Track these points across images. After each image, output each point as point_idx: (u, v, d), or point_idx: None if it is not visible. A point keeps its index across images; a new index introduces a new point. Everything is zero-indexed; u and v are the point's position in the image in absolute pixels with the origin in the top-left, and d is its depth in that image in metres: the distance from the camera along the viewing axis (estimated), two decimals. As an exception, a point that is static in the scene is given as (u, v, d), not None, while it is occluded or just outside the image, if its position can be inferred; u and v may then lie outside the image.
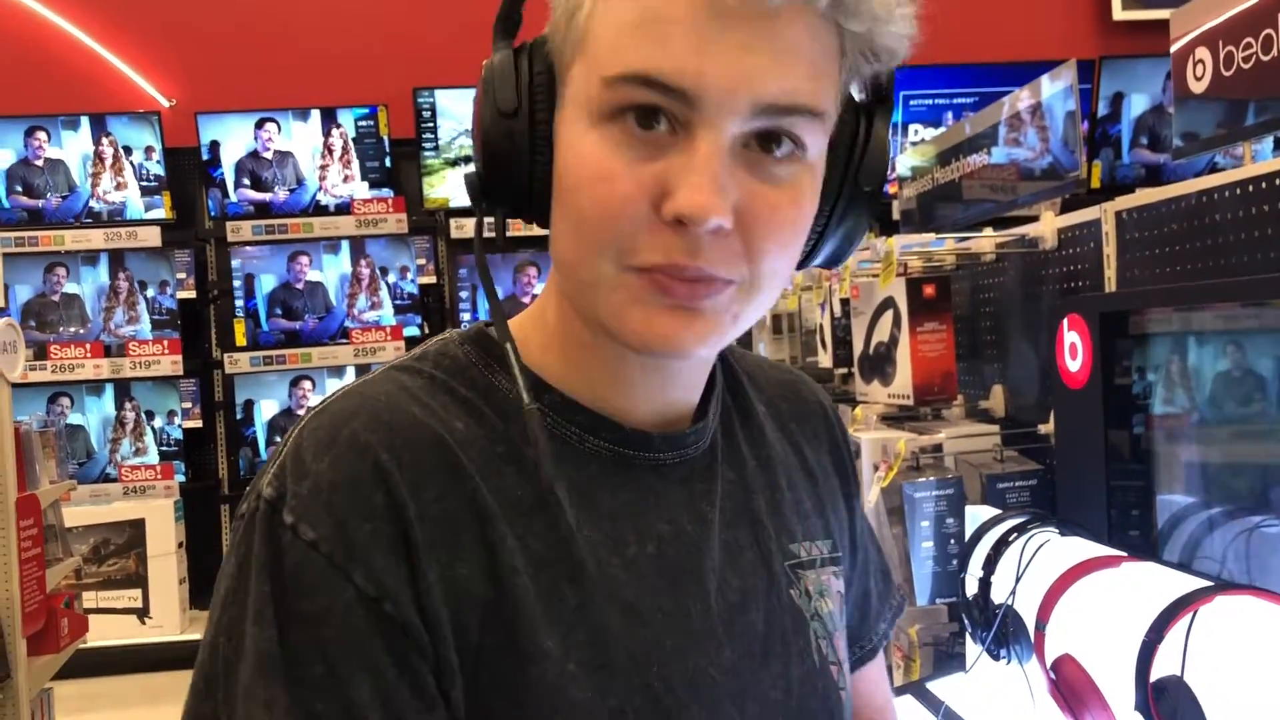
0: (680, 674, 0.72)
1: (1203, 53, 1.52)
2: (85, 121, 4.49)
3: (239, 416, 4.56)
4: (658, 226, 0.64)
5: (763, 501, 0.82)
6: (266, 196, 4.57)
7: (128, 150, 4.51)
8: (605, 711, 0.68)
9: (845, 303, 2.20)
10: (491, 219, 0.74)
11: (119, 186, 4.52)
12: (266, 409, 4.58)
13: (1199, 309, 1.45)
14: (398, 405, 0.70)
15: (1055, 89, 1.95)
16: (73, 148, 4.51)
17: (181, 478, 4.47)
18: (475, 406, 0.73)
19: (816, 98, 0.66)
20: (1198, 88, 1.54)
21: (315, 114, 4.55)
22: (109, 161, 4.51)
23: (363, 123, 4.57)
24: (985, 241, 1.91)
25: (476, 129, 0.72)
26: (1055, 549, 1.35)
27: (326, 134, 4.56)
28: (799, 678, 0.79)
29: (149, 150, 4.52)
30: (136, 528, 4.28)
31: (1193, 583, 1.10)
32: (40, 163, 4.50)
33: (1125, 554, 1.27)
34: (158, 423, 4.55)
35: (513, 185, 0.70)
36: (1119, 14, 4.79)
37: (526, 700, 0.67)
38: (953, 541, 1.70)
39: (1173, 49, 1.59)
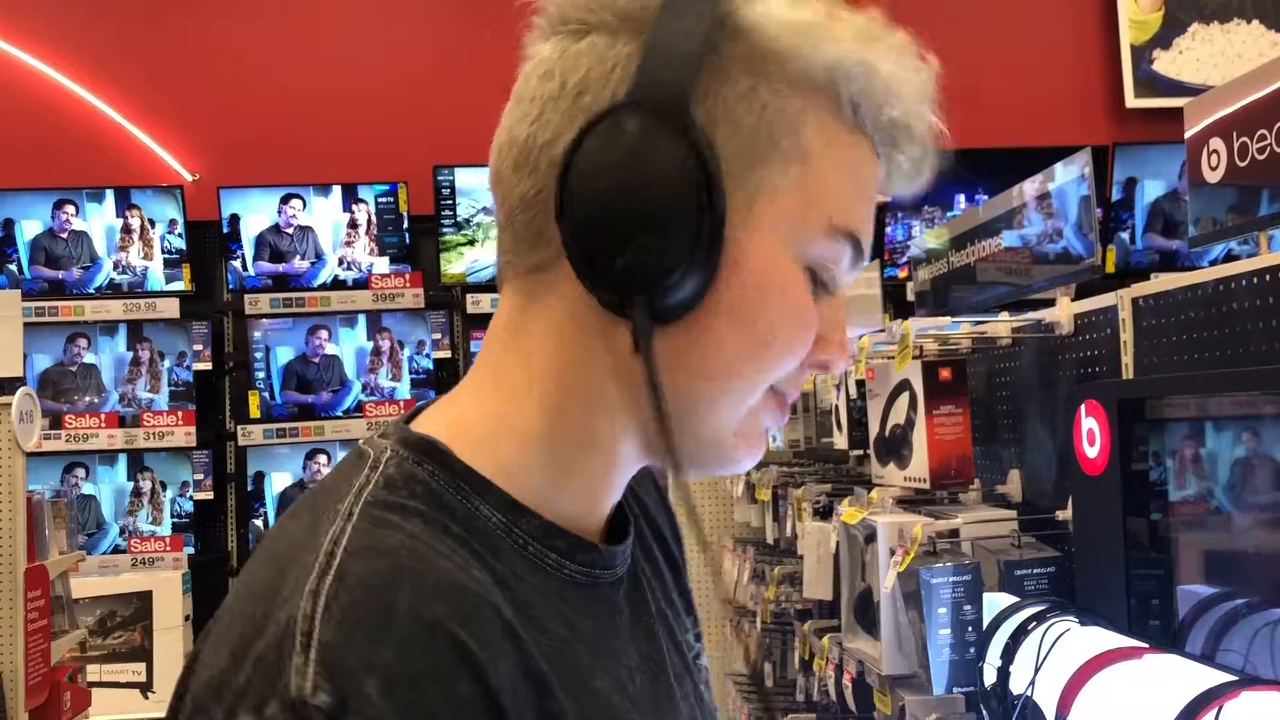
0: None
1: (1217, 143, 1.54)
2: (110, 195, 4.56)
3: (250, 489, 4.55)
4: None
5: (661, 597, 0.79)
6: (285, 270, 4.61)
7: (152, 223, 4.57)
8: None
9: (861, 384, 2.20)
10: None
11: (145, 258, 4.57)
12: (278, 481, 4.57)
13: (1220, 396, 1.44)
14: (431, 561, 0.59)
15: (1069, 175, 1.96)
16: (97, 220, 4.57)
17: (191, 550, 4.45)
18: (471, 545, 0.62)
19: None
20: (1212, 177, 1.55)
21: (336, 190, 4.61)
22: (135, 234, 4.57)
23: (383, 199, 4.63)
24: (1001, 325, 1.91)
25: (615, 208, 0.62)
26: (1075, 639, 1.33)
27: (347, 210, 4.62)
28: None
29: (172, 223, 4.58)
30: (144, 600, 4.25)
31: (1216, 677, 1.08)
32: (65, 235, 4.56)
33: (1147, 646, 1.25)
34: (170, 494, 4.54)
35: (668, 283, 0.63)
36: (1131, 101, 4.85)
37: None
38: (970, 629, 1.67)
39: (1187, 138, 1.61)
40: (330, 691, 0.51)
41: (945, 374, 1.93)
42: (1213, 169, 1.55)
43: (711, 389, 0.66)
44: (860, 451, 2.33)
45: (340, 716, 0.51)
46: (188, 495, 4.54)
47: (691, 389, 0.66)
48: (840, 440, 2.39)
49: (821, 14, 0.68)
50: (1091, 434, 1.55)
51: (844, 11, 0.68)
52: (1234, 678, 1.07)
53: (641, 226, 0.61)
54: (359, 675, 0.52)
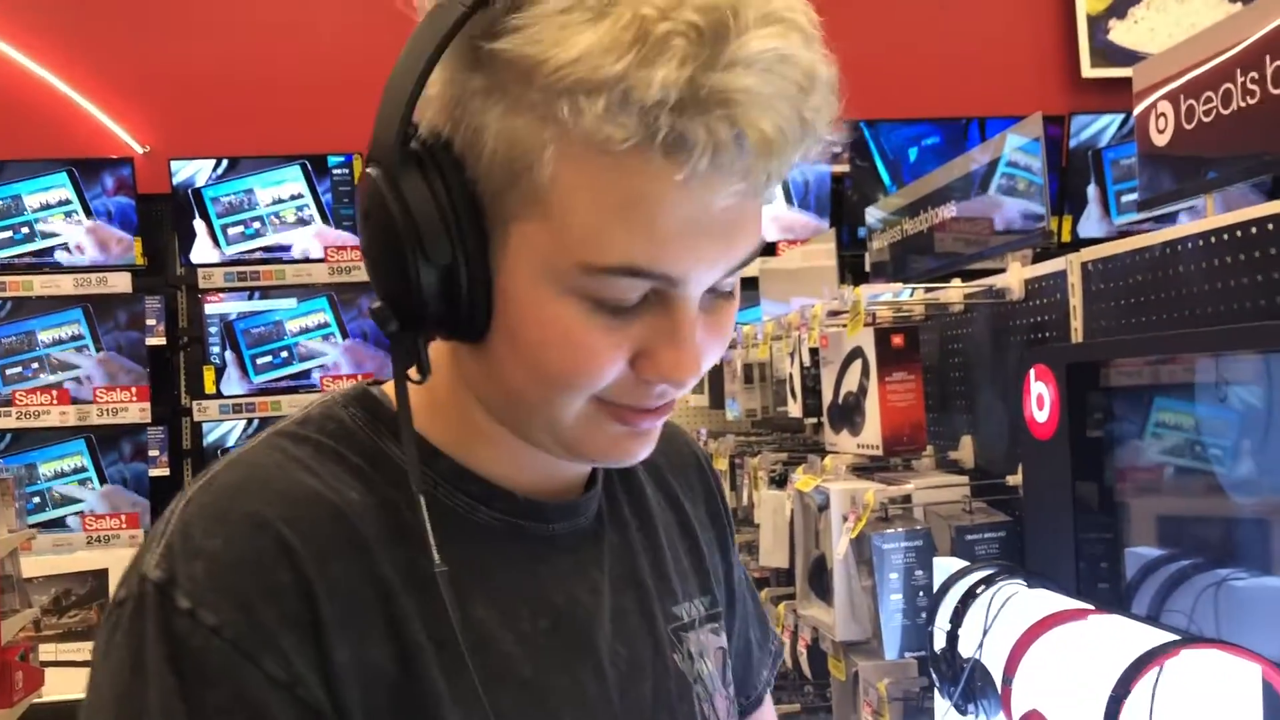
0: None
1: (1164, 106, 1.54)
2: (57, 167, 4.47)
3: (205, 465, 4.50)
4: (632, 379, 0.66)
5: (645, 564, 0.81)
6: (239, 243, 4.55)
7: (100, 196, 4.49)
8: None
9: (815, 352, 2.20)
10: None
11: (91, 232, 4.49)
12: (235, 457, 4.53)
13: (1167, 361, 1.45)
14: (290, 475, 0.67)
15: (1022, 141, 1.96)
16: (44, 193, 4.48)
17: (147, 527, 4.40)
18: (366, 474, 0.69)
19: (762, 234, 0.67)
20: (1160, 140, 1.56)
21: (291, 161, 4.55)
22: (81, 207, 4.49)
23: (339, 171, 4.57)
24: (953, 292, 1.91)
25: (384, 271, 0.65)
26: (1023, 601, 1.34)
27: (303, 181, 4.56)
28: None
29: (122, 196, 4.50)
30: (99, 578, 4.20)
31: (1159, 636, 1.08)
32: (11, 208, 4.47)
33: (1093, 607, 1.25)
34: (124, 471, 4.48)
35: (441, 325, 0.66)
36: (1088, 71, 4.86)
37: None
38: (921, 594, 1.68)
39: (1135, 102, 1.61)
40: (165, 569, 0.63)
41: (897, 341, 1.93)
42: (1160, 132, 1.55)
43: (517, 405, 0.69)
44: (815, 419, 2.33)
45: (168, 589, 0.62)
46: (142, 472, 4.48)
47: (502, 402, 0.70)
48: (795, 408, 2.39)
49: (578, 19, 0.58)
50: (1041, 399, 1.56)
51: (623, 10, 0.58)
52: (1176, 637, 1.08)
53: (395, 265, 0.64)
54: (190, 558, 0.63)
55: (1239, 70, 1.38)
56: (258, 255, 4.54)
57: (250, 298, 4.53)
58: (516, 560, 0.72)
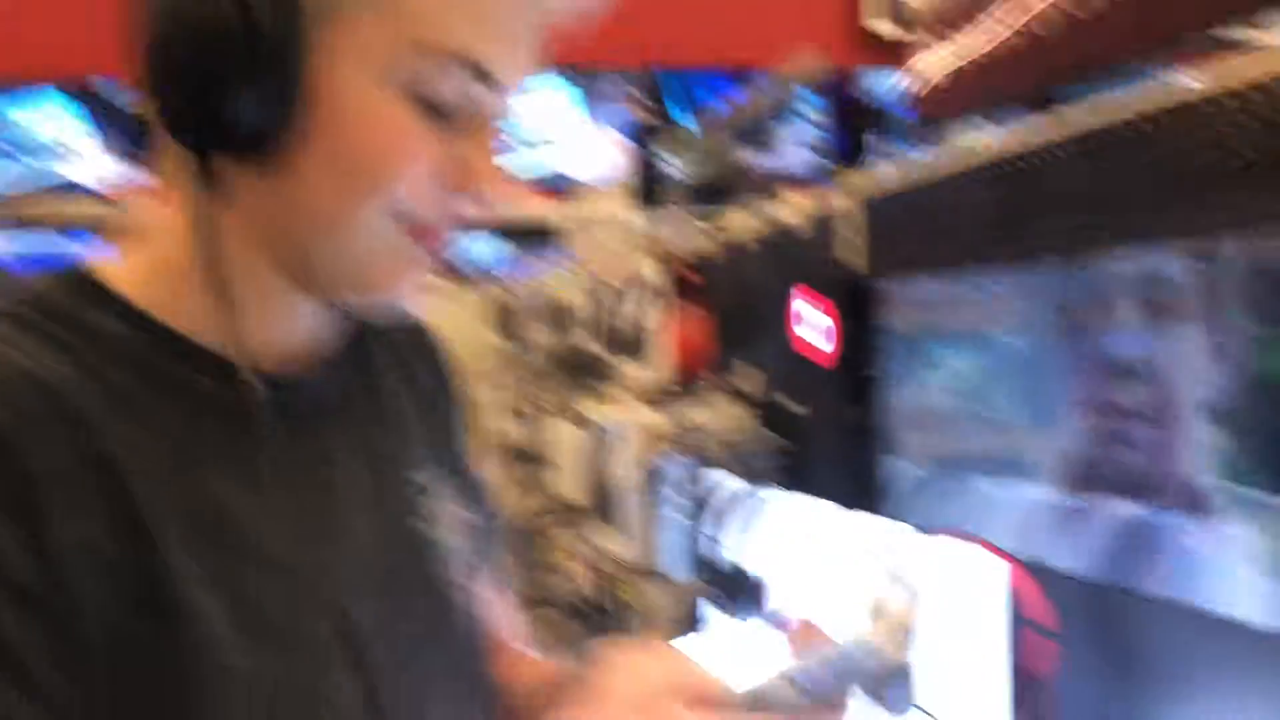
0: (333, 625, 0.69)
1: (935, 46, 1.62)
2: None
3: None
4: (436, 192, 0.66)
5: (382, 436, 0.81)
6: (5, 175, 4.25)
7: None
8: (261, 671, 0.65)
9: (607, 285, 2.23)
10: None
11: None
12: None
13: (941, 311, 1.53)
14: None
15: (803, 87, 2.03)
16: None
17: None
18: (75, 348, 0.65)
19: None
20: (931, 78, 1.63)
21: (65, 87, 4.27)
22: None
23: (118, 99, 4.31)
24: (740, 225, 1.97)
25: (180, 77, 0.63)
26: (789, 510, 1.40)
27: (78, 109, 4.29)
28: (434, 610, 0.78)
29: None
30: None
31: (910, 532, 1.16)
32: None
33: (855, 510, 1.33)
34: None
35: (239, 138, 0.63)
36: (872, 26, 5.00)
37: (179, 666, 0.62)
38: (704, 516, 1.74)
39: (912, 51, 1.68)
40: None
41: (686, 273, 1.98)
42: (931, 70, 1.63)
43: (317, 227, 0.66)
44: (608, 353, 2.37)
45: None
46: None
47: (299, 227, 0.67)
48: (588, 343, 2.43)
49: None
50: (816, 326, 1.63)
51: None
52: (924, 532, 1.15)
53: (199, 61, 0.62)
54: None
55: (1003, 13, 1.46)
56: (27, 187, 4.25)
57: (18, 233, 4.24)
58: (251, 434, 0.70)
